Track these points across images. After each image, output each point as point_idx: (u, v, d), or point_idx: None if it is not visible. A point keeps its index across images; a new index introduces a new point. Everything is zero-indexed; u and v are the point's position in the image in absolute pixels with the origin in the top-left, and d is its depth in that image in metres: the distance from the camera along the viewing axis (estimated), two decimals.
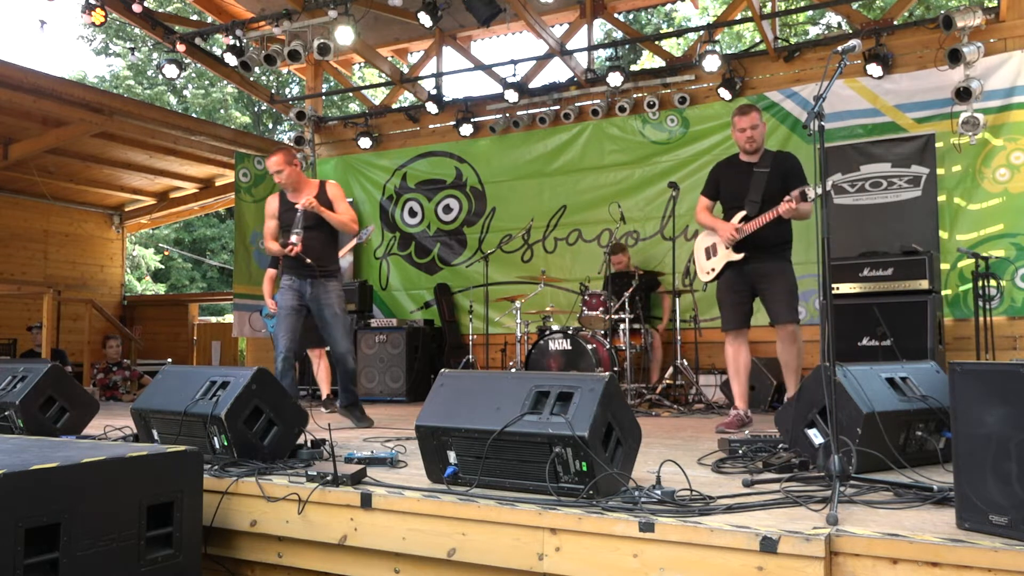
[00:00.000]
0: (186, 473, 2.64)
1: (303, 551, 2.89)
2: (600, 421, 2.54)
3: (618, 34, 13.96)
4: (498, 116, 8.79)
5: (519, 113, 8.74)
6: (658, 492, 2.45)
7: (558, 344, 6.65)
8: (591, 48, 8.83)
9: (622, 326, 6.74)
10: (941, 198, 6.85)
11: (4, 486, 2.13)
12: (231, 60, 7.83)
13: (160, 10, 15.33)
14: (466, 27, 9.21)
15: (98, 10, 7.56)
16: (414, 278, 9.31)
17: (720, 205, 4.95)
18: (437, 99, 8.92)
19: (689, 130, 8.01)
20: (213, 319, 18.36)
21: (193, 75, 22.69)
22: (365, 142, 9.46)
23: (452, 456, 2.77)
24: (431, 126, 9.42)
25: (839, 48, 2.97)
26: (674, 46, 17.21)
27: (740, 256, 4.73)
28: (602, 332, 6.78)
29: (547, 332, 6.84)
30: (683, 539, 2.20)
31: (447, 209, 9.20)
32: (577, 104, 8.51)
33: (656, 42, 12.48)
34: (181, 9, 18.59)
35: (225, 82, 19.09)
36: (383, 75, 9.84)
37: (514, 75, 8.53)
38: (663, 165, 8.08)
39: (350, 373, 5.12)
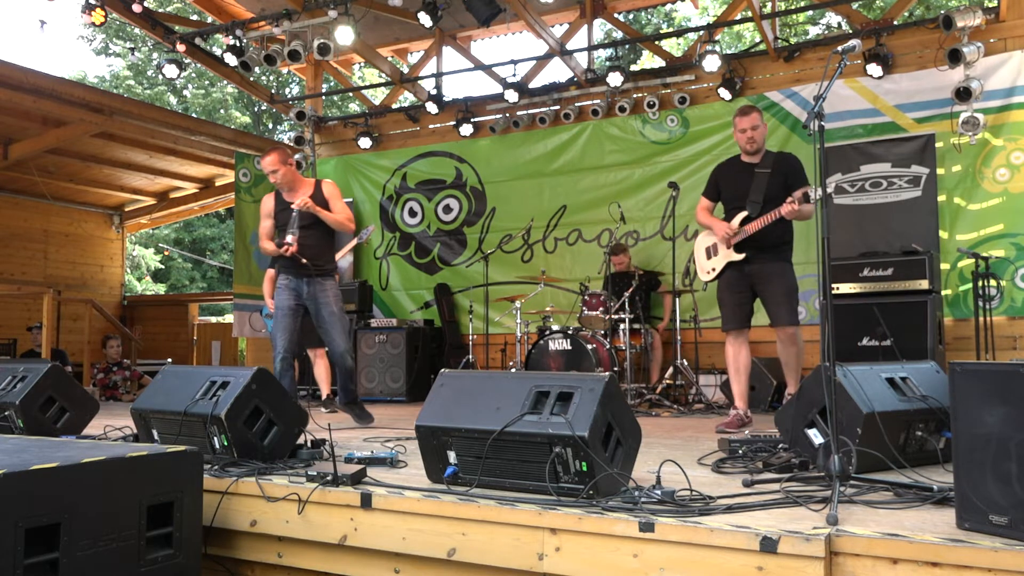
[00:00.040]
0: (186, 473, 2.65)
1: (303, 551, 2.89)
2: (600, 421, 2.54)
3: (618, 34, 13.96)
4: (498, 116, 8.79)
5: (519, 113, 8.74)
6: (658, 492, 2.45)
7: (558, 344, 6.65)
8: (591, 48, 8.83)
9: (622, 326, 6.74)
10: (941, 198, 6.85)
11: (4, 486, 2.13)
12: (231, 60, 7.83)
13: (160, 10, 15.33)
14: (466, 27, 9.21)
15: (98, 10, 7.56)
16: (414, 278, 9.31)
17: (722, 206, 4.96)
18: (437, 99, 8.92)
19: (689, 130, 8.01)
20: (213, 319, 18.36)
21: (193, 75, 22.69)
22: (365, 142, 9.46)
23: (452, 456, 2.77)
24: (431, 126, 9.42)
25: (839, 48, 2.97)
26: (674, 46, 17.21)
27: (741, 256, 4.73)
28: (602, 332, 6.78)
29: (547, 332, 6.84)
30: (683, 539, 2.20)
31: (447, 209, 9.20)
32: (577, 104, 8.51)
33: (656, 42, 12.49)
34: (181, 9, 18.59)
35: (225, 82, 19.09)
36: (383, 75, 9.84)
37: (514, 75, 8.53)
38: (663, 165, 8.08)
39: (349, 371, 5.12)
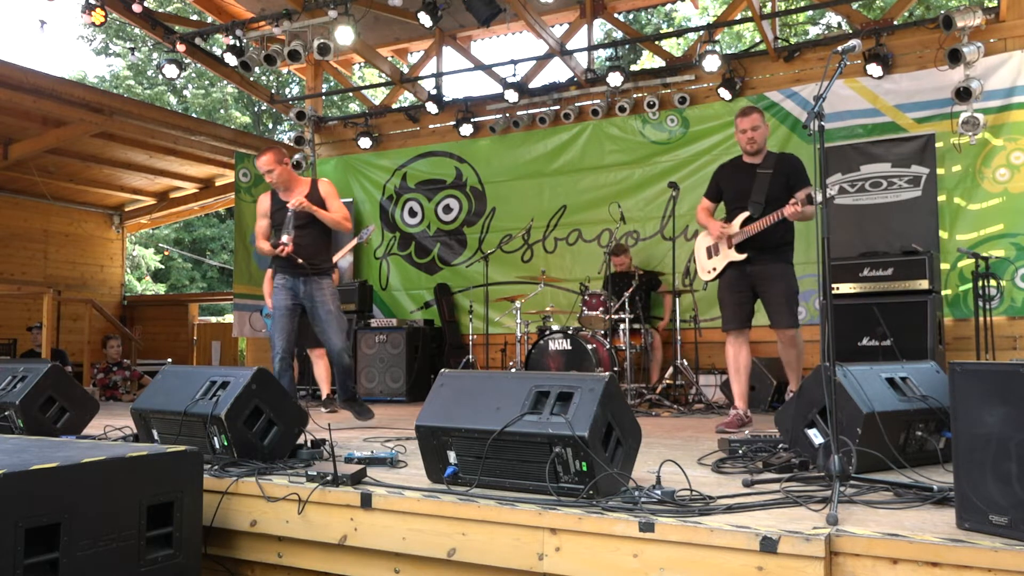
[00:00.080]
0: (186, 473, 2.65)
1: (303, 551, 2.89)
2: (600, 421, 2.54)
3: (618, 34, 13.95)
4: (498, 116, 8.79)
5: (519, 113, 8.74)
6: (658, 492, 2.45)
7: (558, 344, 6.65)
8: (591, 48, 8.83)
9: (622, 326, 6.74)
10: (941, 198, 6.85)
11: (4, 486, 2.13)
12: (231, 60, 7.83)
13: (160, 10, 15.33)
14: (466, 27, 9.21)
15: (98, 10, 7.56)
16: (414, 278, 9.31)
17: (724, 206, 4.96)
18: (437, 99, 8.92)
19: (689, 130, 8.01)
20: (213, 319, 18.36)
21: (193, 75, 22.69)
22: (365, 142, 9.46)
23: (452, 456, 2.77)
24: (431, 126, 9.42)
25: (839, 48, 2.97)
26: (674, 46, 17.21)
27: (743, 256, 4.74)
28: (602, 332, 6.78)
29: (547, 332, 6.84)
30: (683, 539, 2.20)
31: (447, 209, 9.20)
32: (577, 104, 8.51)
33: (656, 42, 12.49)
34: (181, 9, 18.59)
35: (225, 82, 19.09)
36: (383, 75, 9.84)
37: (514, 75, 8.53)
38: (663, 165, 8.08)
39: (347, 369, 5.10)
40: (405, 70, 9.84)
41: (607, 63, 12.93)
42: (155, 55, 20.98)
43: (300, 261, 4.88)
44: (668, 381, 7.04)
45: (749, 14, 7.77)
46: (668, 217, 7.65)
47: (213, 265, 23.54)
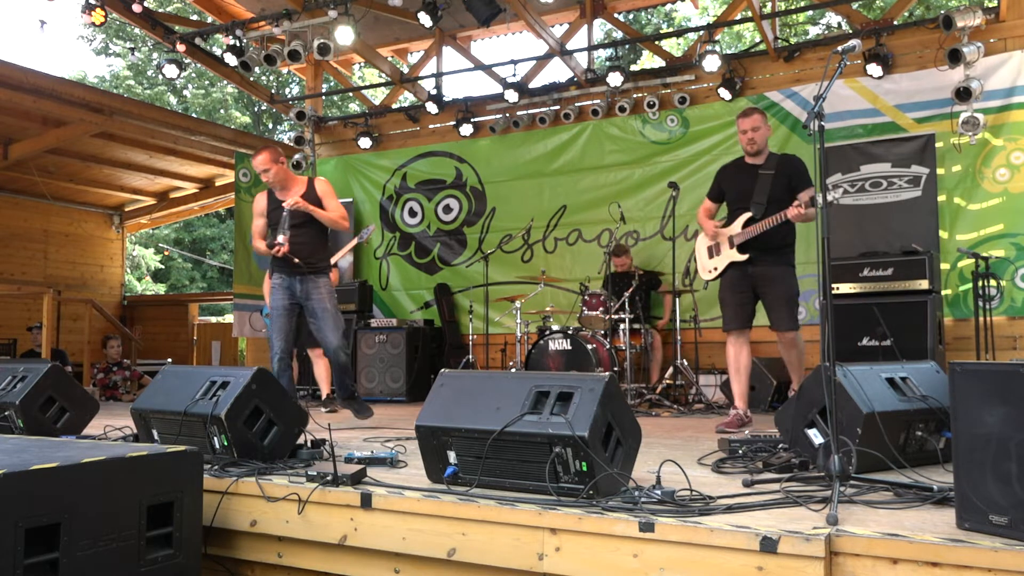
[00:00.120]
0: (186, 473, 2.65)
1: (303, 551, 2.89)
2: (600, 421, 2.54)
3: (618, 34, 13.95)
4: (498, 116, 8.79)
5: (519, 113, 8.74)
6: (658, 492, 2.45)
7: (558, 344, 6.65)
8: (591, 48, 8.83)
9: (622, 326, 6.74)
10: (941, 198, 6.85)
11: (4, 486, 2.13)
12: (231, 60, 7.83)
13: (160, 10, 15.33)
14: (466, 27, 9.21)
15: (98, 10, 7.56)
16: (414, 278, 9.31)
17: (726, 206, 4.97)
18: (437, 99, 8.92)
19: (689, 130, 8.01)
20: (213, 319, 18.36)
21: (193, 75, 22.69)
22: (365, 142, 9.46)
23: (452, 456, 2.77)
24: (431, 126, 9.42)
25: (839, 48, 2.97)
26: (674, 46, 17.21)
27: (744, 257, 4.74)
28: (602, 332, 6.78)
29: (547, 332, 6.84)
30: (683, 539, 2.20)
31: (447, 209, 9.20)
32: (577, 104, 8.51)
33: (656, 42, 12.49)
34: (181, 9, 18.59)
35: (225, 82, 19.09)
36: (383, 75, 9.84)
37: (514, 75, 8.53)
38: (663, 165, 8.08)
39: (344, 367, 5.09)
40: (405, 70, 9.85)
41: (607, 63, 12.94)
42: (155, 55, 20.99)
43: (296, 261, 4.87)
44: (668, 381, 7.04)
45: (749, 14, 7.77)
46: (668, 217, 7.65)
47: (213, 265, 23.54)
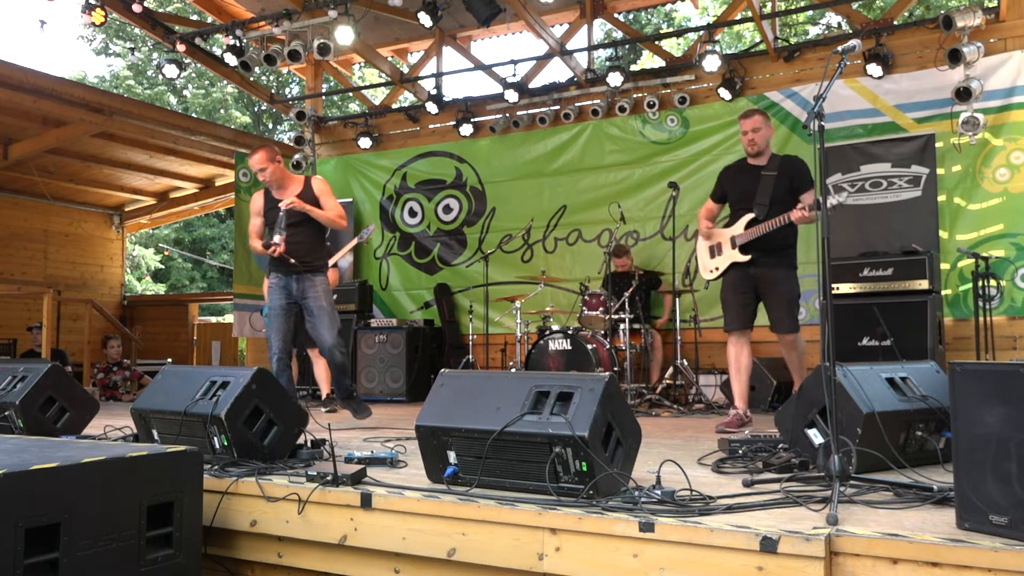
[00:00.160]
0: (186, 473, 2.65)
1: (303, 551, 2.89)
2: (600, 421, 2.54)
3: (618, 34, 13.95)
4: (498, 116, 8.79)
5: (519, 113, 8.74)
6: (658, 492, 2.45)
7: (558, 344, 6.65)
8: (591, 48, 8.83)
9: (622, 326, 6.74)
10: (941, 198, 6.85)
11: (4, 486, 2.13)
12: (231, 60, 7.83)
13: (160, 10, 15.33)
14: (466, 27, 9.21)
15: (98, 10, 7.56)
16: (414, 278, 9.31)
17: (728, 207, 4.97)
18: (437, 99, 8.92)
19: (689, 130, 8.01)
20: (213, 319, 18.36)
21: (193, 75, 22.69)
22: (365, 142, 9.46)
23: (452, 456, 2.77)
24: (431, 126, 9.42)
25: (839, 48, 2.97)
26: (674, 46, 17.21)
27: (747, 257, 4.74)
28: (602, 332, 6.78)
29: (547, 332, 6.84)
30: (683, 539, 2.20)
31: (447, 209, 9.20)
32: (577, 104, 8.51)
33: (656, 42, 12.49)
34: (181, 9, 18.58)
35: (225, 82, 19.09)
36: (383, 75, 9.84)
37: (514, 75, 8.53)
38: (663, 165, 8.08)
39: (340, 366, 5.07)
40: (405, 70, 9.85)
41: (607, 63, 12.93)
42: (155, 55, 20.99)
43: (292, 261, 4.86)
44: (668, 381, 7.04)
45: (749, 14, 7.77)
46: (668, 217, 7.65)
47: (213, 265, 23.54)
